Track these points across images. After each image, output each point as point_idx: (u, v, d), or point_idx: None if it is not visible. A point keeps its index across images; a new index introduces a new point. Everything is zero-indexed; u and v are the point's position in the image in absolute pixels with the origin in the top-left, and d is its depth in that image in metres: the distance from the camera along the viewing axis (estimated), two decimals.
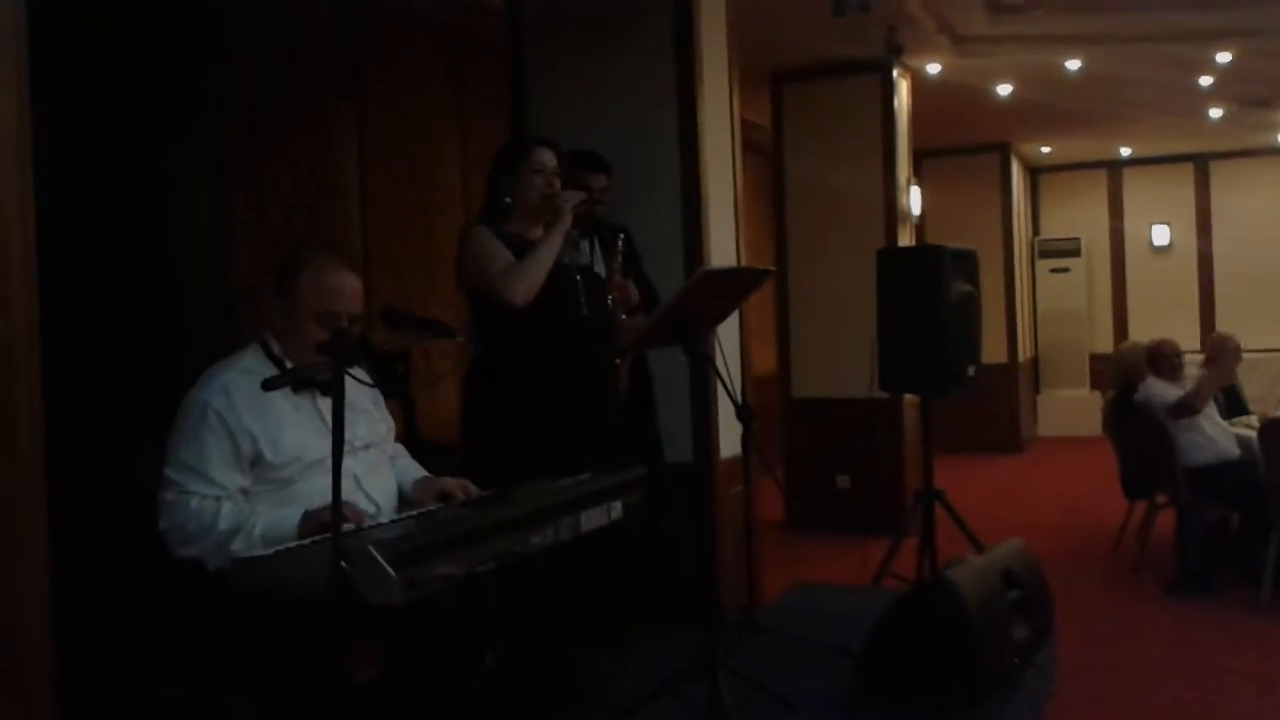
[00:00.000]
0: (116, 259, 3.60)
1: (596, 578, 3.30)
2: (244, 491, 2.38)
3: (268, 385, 2.07)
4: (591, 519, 2.50)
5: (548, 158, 3.42)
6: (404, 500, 2.71)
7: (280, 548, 2.18)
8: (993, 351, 10.39)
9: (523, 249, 3.32)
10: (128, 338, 3.52)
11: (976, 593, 3.19)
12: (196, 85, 4.06)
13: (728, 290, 3.42)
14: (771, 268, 3.79)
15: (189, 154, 3.95)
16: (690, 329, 3.23)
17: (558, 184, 3.42)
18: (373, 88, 5.10)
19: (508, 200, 3.42)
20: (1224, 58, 7.43)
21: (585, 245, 4.11)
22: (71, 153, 3.33)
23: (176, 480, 2.34)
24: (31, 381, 1.86)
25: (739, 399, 3.79)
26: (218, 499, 2.33)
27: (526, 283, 3.24)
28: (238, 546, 2.28)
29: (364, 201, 5.02)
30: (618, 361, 3.90)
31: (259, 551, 2.21)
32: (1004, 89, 8.21)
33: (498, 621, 2.27)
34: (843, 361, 6.98)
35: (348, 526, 2.19)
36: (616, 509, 2.61)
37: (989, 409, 10.51)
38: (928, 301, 4.80)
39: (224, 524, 2.31)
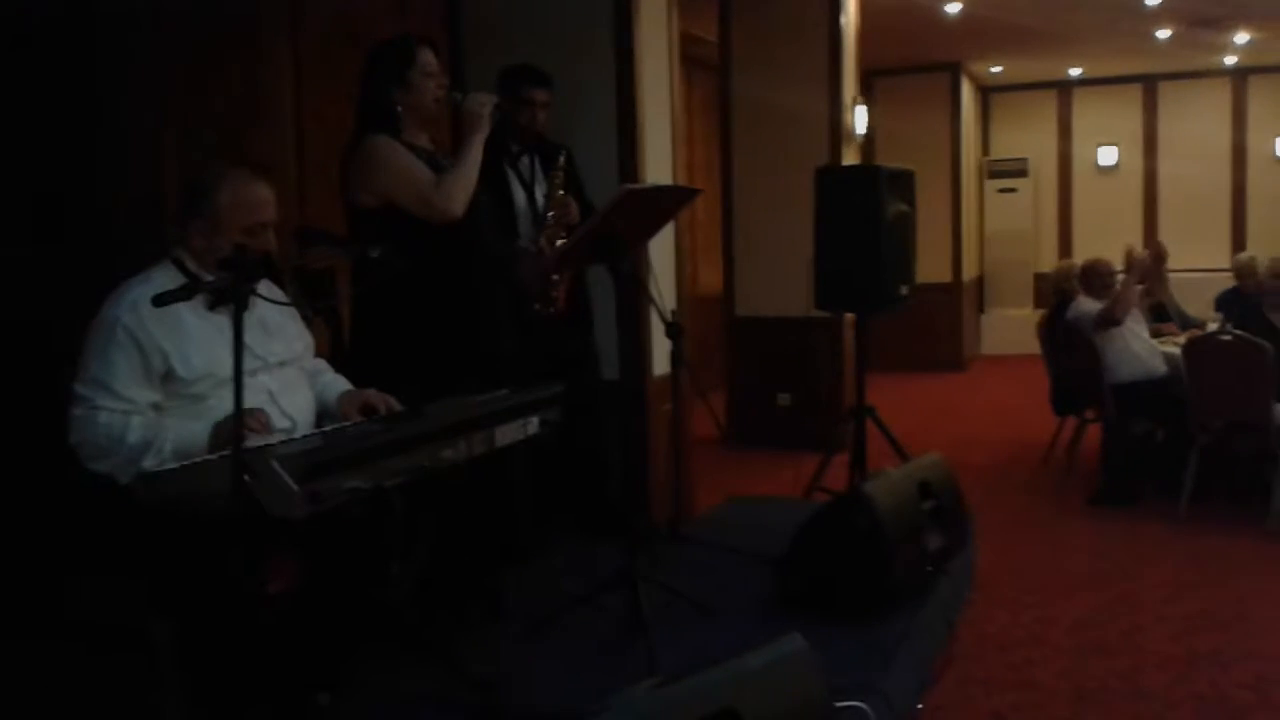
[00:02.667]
0: (45, 180, 3.54)
1: (521, 493, 3.35)
2: (156, 407, 2.41)
3: (158, 300, 2.09)
4: (506, 434, 2.55)
5: (433, 58, 3.28)
6: (328, 415, 2.74)
7: (188, 461, 2.21)
8: (938, 271, 10.53)
9: (427, 161, 3.22)
10: (54, 261, 3.48)
11: (891, 503, 3.29)
12: (130, 7, 3.97)
13: (653, 209, 3.42)
14: (700, 188, 3.79)
15: (121, 76, 3.87)
16: (615, 248, 3.24)
17: (447, 86, 3.32)
18: (307, 6, 4.99)
19: (399, 108, 3.25)
20: None
21: (526, 161, 4.10)
22: None
23: (86, 395, 2.37)
24: None
25: (668, 316, 3.85)
26: (126, 414, 2.36)
27: (463, 193, 3.15)
28: (149, 461, 2.31)
29: (299, 121, 4.94)
30: (554, 278, 3.92)
31: (169, 465, 2.24)
32: (954, 7, 8.17)
33: (406, 533, 2.32)
34: (785, 280, 7.04)
35: (257, 438, 2.22)
36: (533, 425, 2.67)
37: (933, 327, 10.67)
38: (864, 221, 4.84)
39: (133, 438, 2.34)
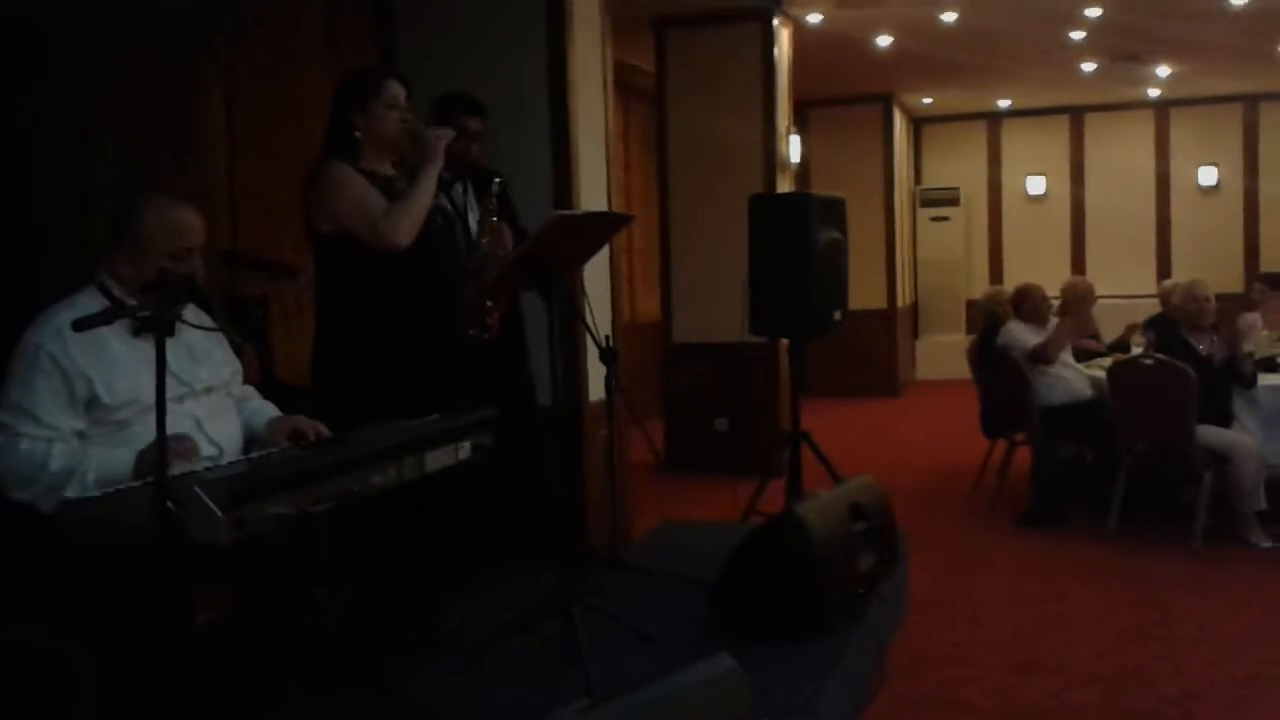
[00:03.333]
0: None
1: (453, 519, 3.34)
2: (79, 434, 2.37)
3: (78, 325, 2.07)
4: (437, 459, 2.54)
5: (400, 91, 3.31)
6: (256, 442, 2.71)
7: (111, 489, 2.18)
8: (872, 297, 10.68)
9: (384, 188, 3.24)
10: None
11: (823, 525, 3.32)
12: (56, 32, 3.92)
13: (586, 235, 3.45)
14: (632, 214, 3.83)
15: (48, 105, 3.82)
16: (548, 273, 3.26)
17: (411, 118, 3.37)
18: (240, 37, 4.97)
19: (357, 135, 3.27)
20: (1094, 12, 7.66)
21: (459, 188, 4.11)
22: None
23: (8, 422, 2.33)
24: None
25: (602, 342, 3.87)
26: (49, 441, 2.33)
27: (409, 224, 3.17)
28: (72, 490, 2.28)
29: (231, 147, 4.91)
30: (489, 304, 3.92)
31: (92, 494, 2.21)
32: (884, 40, 8.35)
33: (334, 560, 2.30)
34: (720, 307, 7.08)
35: (183, 464, 2.20)
36: (465, 449, 2.66)
37: (868, 353, 10.82)
38: (796, 247, 4.92)
39: (55, 465, 2.31)
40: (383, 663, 2.87)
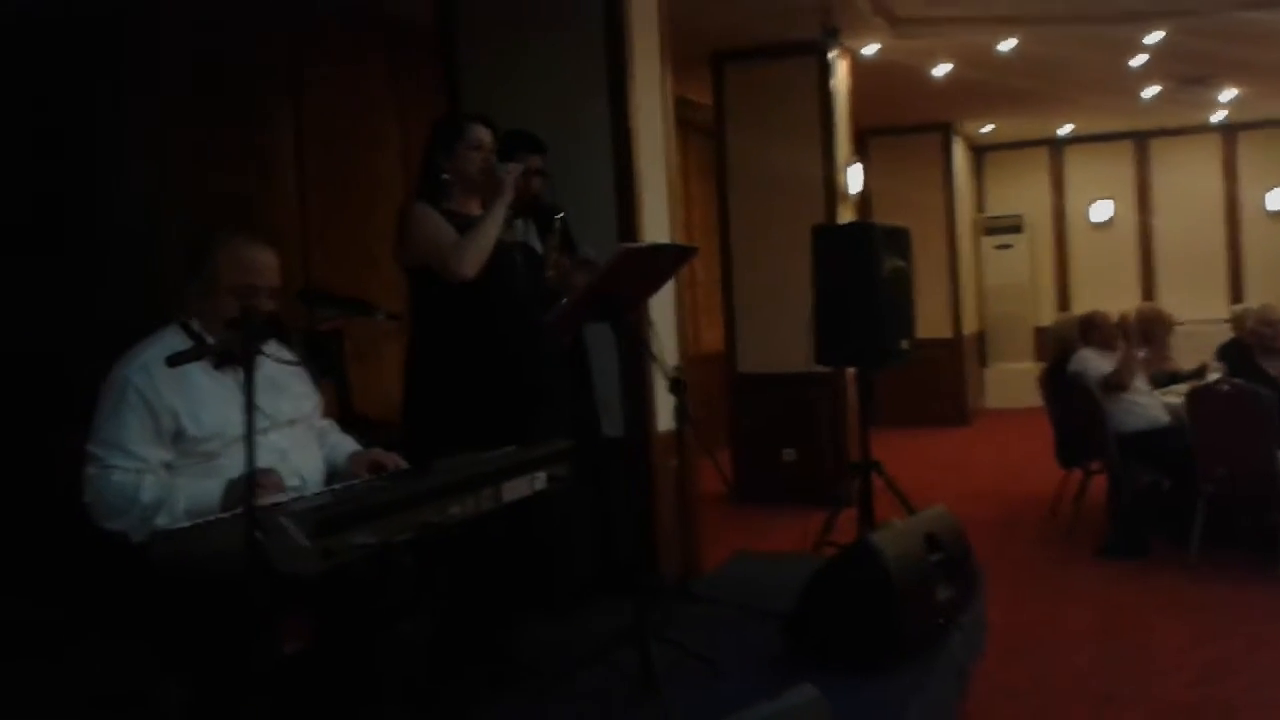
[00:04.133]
0: (45, 258, 3.59)
1: (530, 550, 3.35)
2: (167, 466, 2.42)
3: (172, 361, 2.11)
4: (513, 490, 2.56)
5: (484, 134, 3.45)
6: (337, 475, 2.75)
7: (201, 520, 2.22)
8: (938, 326, 10.58)
9: (464, 226, 3.35)
10: (60, 323, 3.52)
11: (898, 555, 3.28)
12: (131, 71, 4.05)
13: (651, 268, 3.47)
14: (696, 246, 3.84)
15: (121, 138, 3.94)
16: (615, 306, 3.28)
17: (495, 160, 3.45)
18: (309, 76, 5.10)
19: (445, 177, 3.43)
20: (1155, 37, 7.57)
21: (520, 225, 4.16)
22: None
23: (98, 455, 2.39)
24: None
25: (670, 372, 3.87)
26: (139, 472, 2.38)
27: (475, 256, 3.27)
28: (162, 520, 2.32)
29: (301, 187, 5.03)
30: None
31: (183, 524, 2.25)
32: (942, 69, 8.33)
33: (416, 591, 2.31)
34: (785, 337, 7.07)
35: (270, 497, 2.24)
36: (540, 480, 2.68)
37: (935, 383, 10.70)
38: (861, 277, 4.90)
39: (146, 496, 2.35)
40: (461, 694, 2.87)
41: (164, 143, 4.19)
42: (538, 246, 4.11)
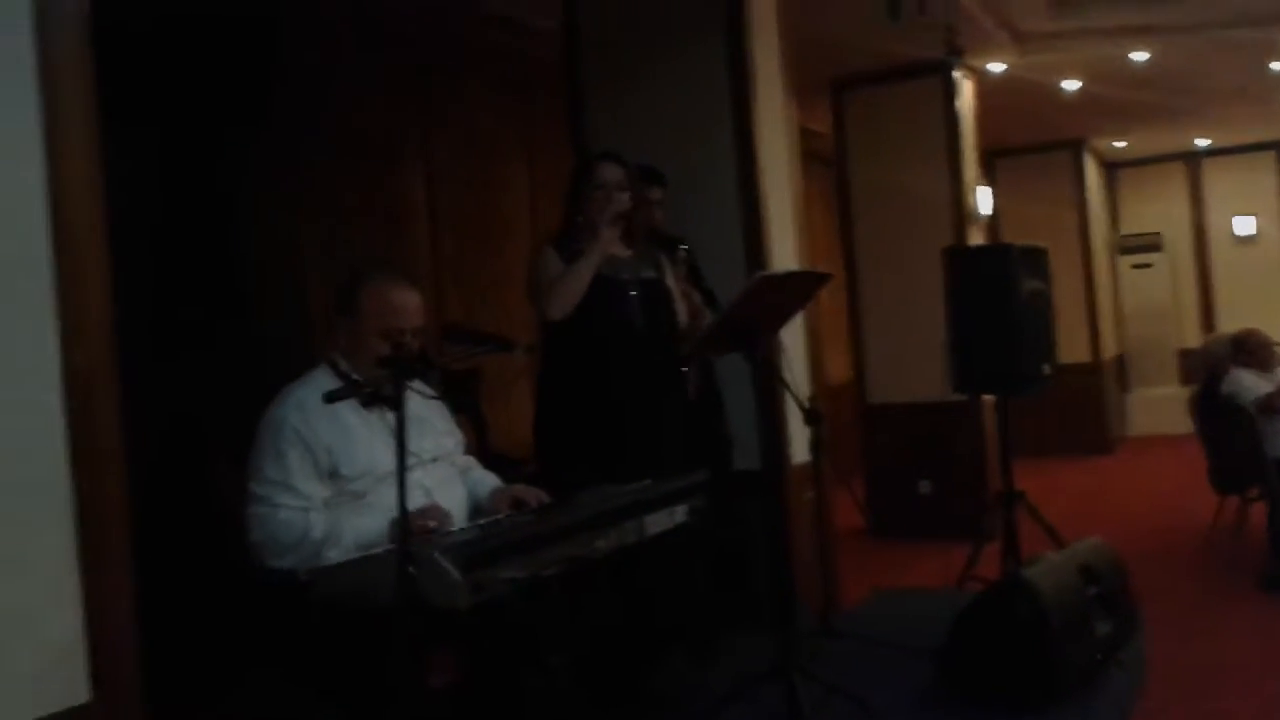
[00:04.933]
0: (191, 289, 3.73)
1: (672, 584, 3.32)
2: (325, 502, 2.49)
3: (329, 398, 2.16)
4: (656, 523, 2.54)
5: (609, 172, 3.48)
6: (479, 511, 2.78)
7: (356, 556, 2.25)
8: (1076, 351, 10.21)
9: (607, 264, 3.43)
10: (208, 366, 3.65)
11: (1054, 589, 3.15)
12: (262, 113, 4.21)
13: (786, 295, 3.44)
14: (831, 272, 3.78)
15: (258, 184, 4.09)
16: (749, 335, 3.25)
17: (619, 197, 3.46)
18: (438, 113, 5.23)
19: (579, 219, 3.50)
20: None
21: (660, 257, 4.14)
22: (140, 190, 3.47)
23: (263, 494, 2.45)
24: (110, 407, 1.95)
25: (805, 403, 3.81)
26: (305, 510, 2.44)
27: (560, 299, 3.35)
28: (332, 554, 2.38)
29: (433, 225, 5.14)
30: (684, 370, 3.93)
31: (350, 557, 2.30)
32: (1071, 85, 8.09)
33: (565, 625, 2.30)
34: (917, 365, 6.93)
35: (437, 529, 2.26)
36: (680, 513, 2.65)
37: (1075, 410, 10.30)
38: (998, 300, 4.76)
39: (316, 533, 2.42)
40: None
41: (302, 192, 4.33)
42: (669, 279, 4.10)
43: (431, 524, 2.35)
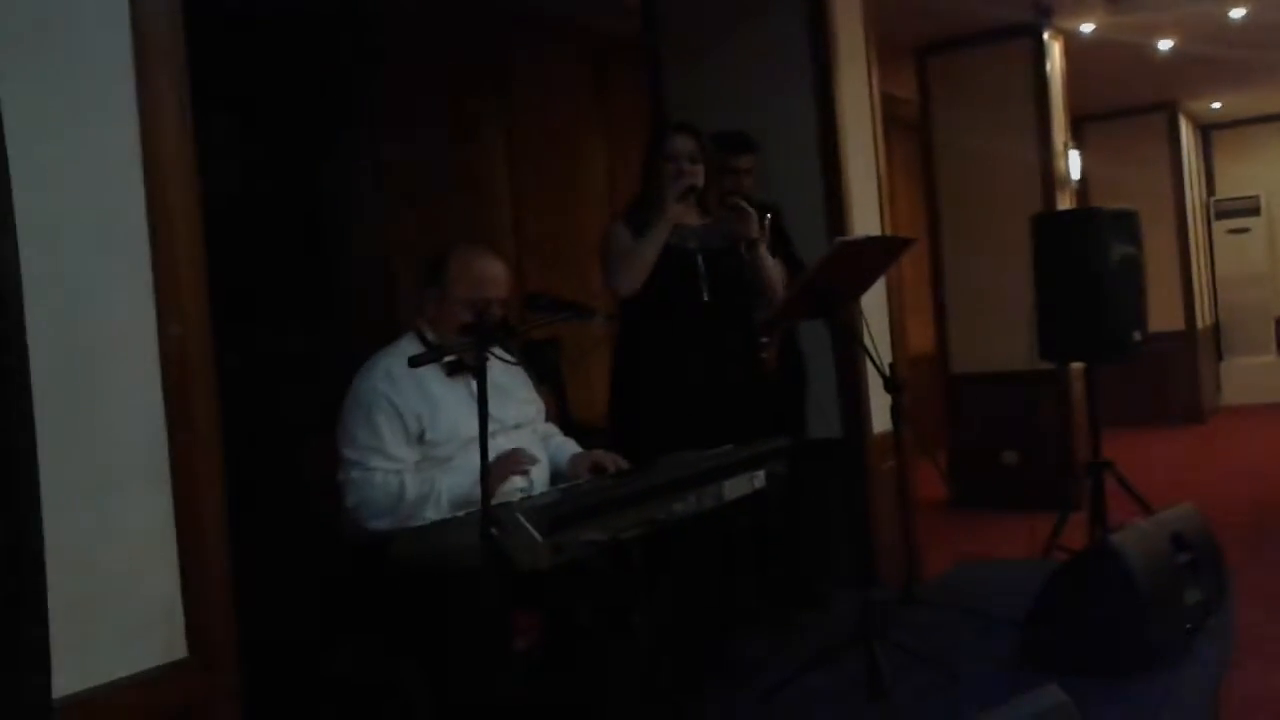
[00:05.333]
0: (283, 270, 3.83)
1: (755, 548, 3.34)
2: (415, 466, 2.56)
3: (413, 362, 2.21)
4: (734, 488, 2.55)
5: (681, 143, 3.43)
6: (560, 476, 2.84)
7: (441, 519, 2.31)
8: (1169, 318, 9.94)
9: (676, 234, 3.41)
10: (297, 344, 3.75)
11: (1143, 556, 3.08)
12: (353, 97, 4.29)
13: (867, 261, 3.40)
14: (913, 237, 3.73)
15: (347, 164, 4.17)
16: (831, 301, 3.23)
17: (691, 168, 3.43)
18: (517, 91, 5.26)
19: (650, 192, 3.47)
20: None
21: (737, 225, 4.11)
22: (235, 172, 3.57)
23: (357, 460, 2.53)
24: (206, 379, 2.03)
25: (885, 370, 3.78)
26: (399, 472, 2.52)
27: (627, 275, 3.35)
28: (430, 512, 2.46)
29: (514, 203, 5.19)
30: (764, 340, 3.93)
31: (444, 516, 2.36)
32: (1165, 44, 7.84)
33: (645, 587, 2.34)
34: (1001, 334, 6.81)
35: (521, 473, 2.30)
36: (759, 478, 2.66)
37: (1167, 379, 10.05)
38: (1087, 265, 4.66)
39: (411, 493, 2.49)
40: (688, 694, 2.88)
41: (391, 167, 4.41)
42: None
43: (522, 467, 2.40)
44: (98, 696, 1.78)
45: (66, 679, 1.67)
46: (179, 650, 1.94)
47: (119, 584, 1.86)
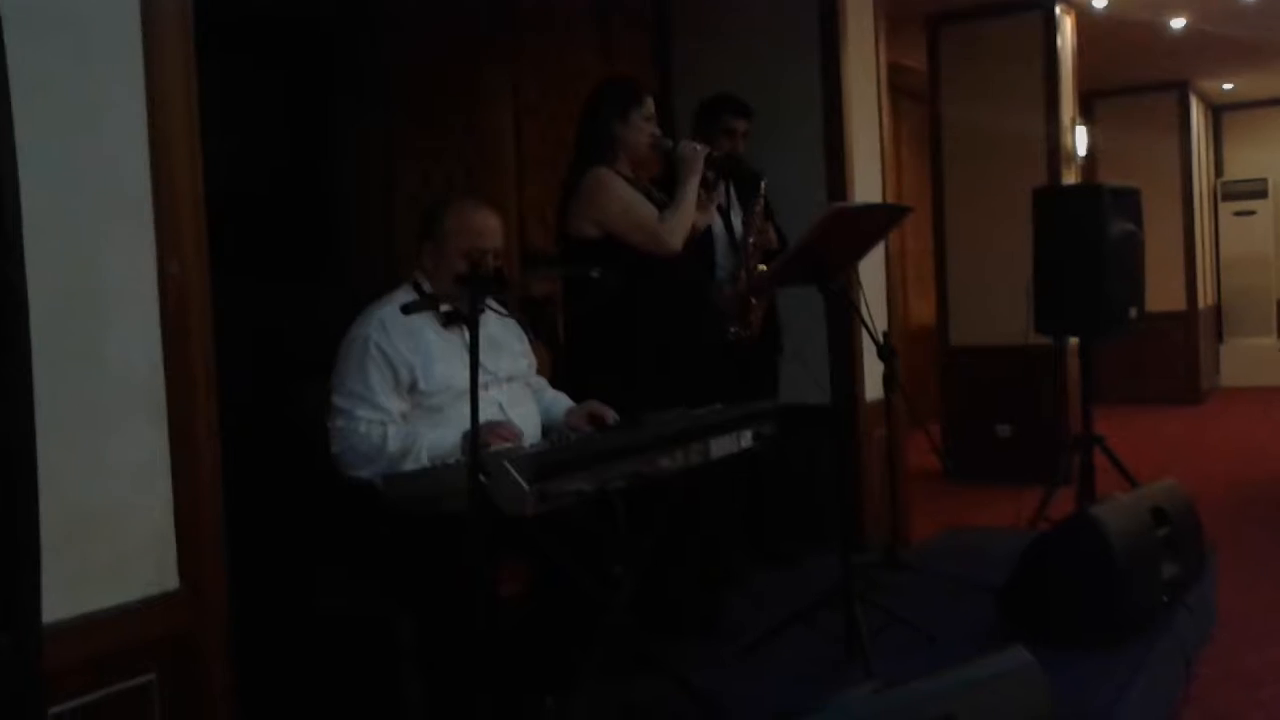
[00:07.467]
0: (285, 222, 3.86)
1: (739, 507, 3.39)
2: (404, 416, 2.60)
3: (406, 309, 2.25)
4: (721, 446, 2.60)
5: (653, 108, 3.42)
6: (553, 430, 2.88)
7: (430, 465, 2.36)
8: (1170, 299, 9.96)
9: (644, 194, 3.35)
10: (298, 290, 3.77)
11: (1121, 529, 3.14)
12: (359, 53, 4.29)
13: (862, 229, 3.41)
14: (909, 205, 3.75)
15: (353, 120, 4.19)
16: (823, 268, 3.25)
17: (659, 134, 3.42)
18: (525, 52, 5.25)
19: (618, 143, 3.35)
20: None
21: (721, 189, 4.13)
22: (238, 120, 3.58)
23: (345, 408, 2.57)
24: (203, 317, 2.07)
25: (879, 338, 3.81)
26: (383, 423, 2.56)
27: (685, 230, 3.30)
28: (408, 466, 2.49)
29: (519, 162, 5.20)
30: (753, 302, 3.96)
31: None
32: (1177, 22, 7.80)
33: (628, 538, 2.38)
34: (1000, 307, 6.82)
35: (503, 445, 2.35)
36: (746, 438, 2.71)
37: (1166, 358, 10.09)
38: (1086, 241, 4.68)
39: (392, 446, 2.53)
40: (667, 646, 2.94)
41: (396, 130, 4.43)
42: (737, 211, 4.11)
43: (504, 440, 2.42)
44: (90, 623, 1.84)
45: (60, 606, 1.73)
46: (171, 581, 2.00)
47: (114, 515, 1.92)
